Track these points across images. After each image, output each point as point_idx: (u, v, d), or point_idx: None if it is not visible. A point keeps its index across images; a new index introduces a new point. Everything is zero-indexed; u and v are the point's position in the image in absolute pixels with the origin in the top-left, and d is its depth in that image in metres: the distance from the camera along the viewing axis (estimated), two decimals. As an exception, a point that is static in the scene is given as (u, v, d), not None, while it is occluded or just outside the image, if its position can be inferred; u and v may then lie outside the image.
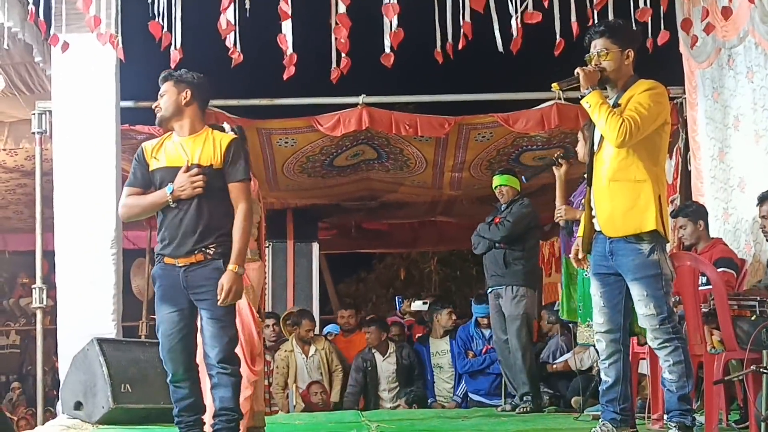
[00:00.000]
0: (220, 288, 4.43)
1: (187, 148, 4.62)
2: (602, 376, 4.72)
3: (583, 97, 4.53)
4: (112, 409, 6.16)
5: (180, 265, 4.54)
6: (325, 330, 10.63)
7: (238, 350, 4.98)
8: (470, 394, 8.70)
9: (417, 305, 10.50)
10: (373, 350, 9.02)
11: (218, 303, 4.45)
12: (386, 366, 8.97)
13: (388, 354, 9.00)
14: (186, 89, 4.65)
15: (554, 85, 4.65)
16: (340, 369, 9.08)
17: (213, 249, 4.53)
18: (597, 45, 4.58)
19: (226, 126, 5.55)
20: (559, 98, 7.90)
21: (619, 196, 4.50)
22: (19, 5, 6.81)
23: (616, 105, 4.49)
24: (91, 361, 6.35)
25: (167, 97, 4.67)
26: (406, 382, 8.96)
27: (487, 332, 8.50)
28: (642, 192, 4.45)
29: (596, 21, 5.64)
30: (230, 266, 4.46)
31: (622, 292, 4.59)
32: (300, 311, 9.46)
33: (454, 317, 9.23)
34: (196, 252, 4.53)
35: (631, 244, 4.47)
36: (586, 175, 4.77)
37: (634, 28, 5.44)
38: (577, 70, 4.51)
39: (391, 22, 5.80)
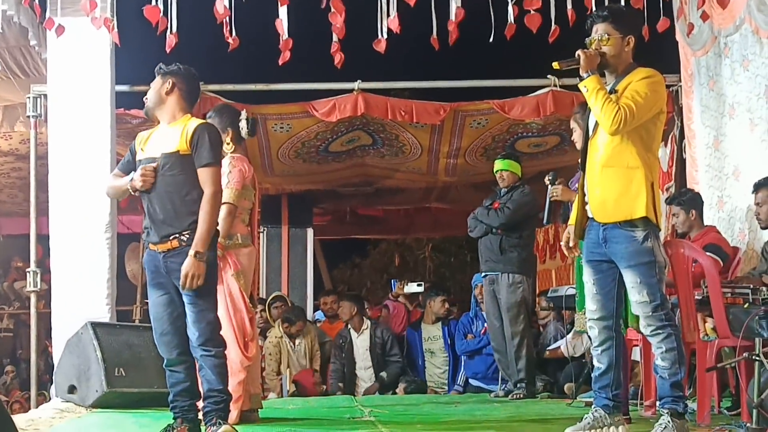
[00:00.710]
0: (181, 274, 4.49)
1: (164, 137, 4.72)
2: (594, 362, 4.72)
3: (581, 80, 4.52)
4: (106, 393, 6.16)
5: (159, 251, 4.63)
6: (316, 316, 10.64)
7: (229, 334, 5.02)
8: (469, 379, 8.68)
9: (411, 287, 10.47)
10: (349, 326, 9.03)
11: (180, 289, 4.51)
12: (360, 342, 8.95)
13: (362, 330, 8.98)
14: (169, 79, 4.78)
15: (555, 63, 4.64)
16: (318, 345, 9.12)
17: (187, 235, 4.58)
18: (598, 29, 4.56)
19: (243, 113, 5.59)
20: (555, 85, 7.89)
21: (611, 182, 4.49)
22: (14, -12, 6.79)
23: (613, 91, 4.48)
24: (84, 344, 6.35)
25: (152, 88, 4.83)
26: (379, 362, 8.89)
27: (487, 313, 8.44)
28: (634, 178, 4.44)
29: (594, 9, 5.62)
30: (190, 252, 4.49)
31: (615, 279, 4.59)
32: (296, 311, 9.39)
33: (447, 305, 9.22)
34: (171, 239, 4.60)
35: (625, 231, 4.47)
36: (580, 161, 4.77)
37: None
38: (579, 52, 4.50)
39: (388, 8, 5.80)
